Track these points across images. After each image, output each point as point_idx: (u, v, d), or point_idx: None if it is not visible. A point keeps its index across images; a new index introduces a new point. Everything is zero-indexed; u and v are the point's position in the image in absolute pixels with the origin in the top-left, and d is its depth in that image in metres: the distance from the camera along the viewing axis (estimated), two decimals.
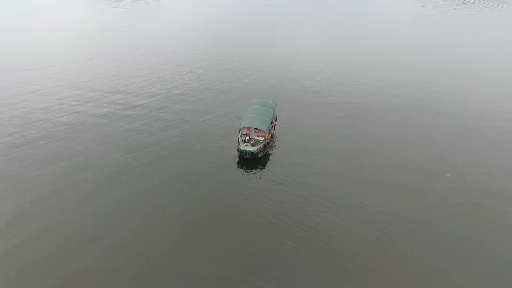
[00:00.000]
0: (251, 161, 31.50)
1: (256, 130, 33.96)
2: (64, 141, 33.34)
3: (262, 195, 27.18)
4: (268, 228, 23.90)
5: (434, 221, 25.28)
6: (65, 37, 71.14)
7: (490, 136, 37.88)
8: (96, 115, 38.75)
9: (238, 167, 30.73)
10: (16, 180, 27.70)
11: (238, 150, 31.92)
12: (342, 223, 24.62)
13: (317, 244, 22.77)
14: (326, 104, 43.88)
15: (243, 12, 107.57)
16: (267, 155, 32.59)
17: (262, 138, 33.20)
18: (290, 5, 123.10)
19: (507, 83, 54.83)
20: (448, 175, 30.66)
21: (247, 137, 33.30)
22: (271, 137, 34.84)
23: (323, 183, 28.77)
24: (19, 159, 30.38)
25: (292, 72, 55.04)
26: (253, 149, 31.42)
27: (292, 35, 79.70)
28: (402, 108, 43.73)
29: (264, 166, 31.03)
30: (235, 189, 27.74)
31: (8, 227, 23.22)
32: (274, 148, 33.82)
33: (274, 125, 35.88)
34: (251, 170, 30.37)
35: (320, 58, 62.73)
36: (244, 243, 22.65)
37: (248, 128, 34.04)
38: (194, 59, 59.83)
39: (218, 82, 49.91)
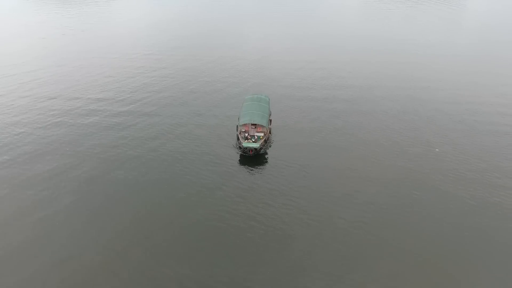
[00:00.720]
0: (253, 158, 30.89)
1: (254, 127, 33.11)
2: (51, 155, 30.93)
3: (272, 192, 26.60)
4: (288, 226, 23.59)
5: (437, 198, 26.30)
6: (24, 43, 66.57)
7: (463, 118, 39.77)
8: (81, 125, 36.32)
9: (241, 165, 30.01)
10: (7, 203, 25.37)
11: (240, 147, 31.20)
12: (361, 215, 24.92)
13: (335, 238, 22.87)
14: (314, 99, 43.94)
15: (202, 13, 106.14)
16: (267, 151, 32.19)
17: (262, 134, 32.68)
18: (252, 5, 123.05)
19: (471, 69, 58.21)
20: (437, 150, 32.80)
21: (247, 134, 32.64)
22: (270, 132, 34.47)
23: (329, 175, 28.76)
24: (5, 179, 27.86)
25: (273, 70, 54.63)
26: (256, 145, 30.85)
27: (261, 35, 79.18)
28: (385, 97, 44.82)
29: (267, 162, 30.60)
30: (244, 189, 26.97)
31: (14, 252, 21.27)
32: (272, 144, 33.49)
33: (271, 120, 35.52)
34: (255, 167, 29.76)
35: (297, 55, 62.85)
36: (263, 248, 21.98)
37: (246, 125, 33.22)
38: (172, 61, 58.01)
39: (202, 83, 48.71)
